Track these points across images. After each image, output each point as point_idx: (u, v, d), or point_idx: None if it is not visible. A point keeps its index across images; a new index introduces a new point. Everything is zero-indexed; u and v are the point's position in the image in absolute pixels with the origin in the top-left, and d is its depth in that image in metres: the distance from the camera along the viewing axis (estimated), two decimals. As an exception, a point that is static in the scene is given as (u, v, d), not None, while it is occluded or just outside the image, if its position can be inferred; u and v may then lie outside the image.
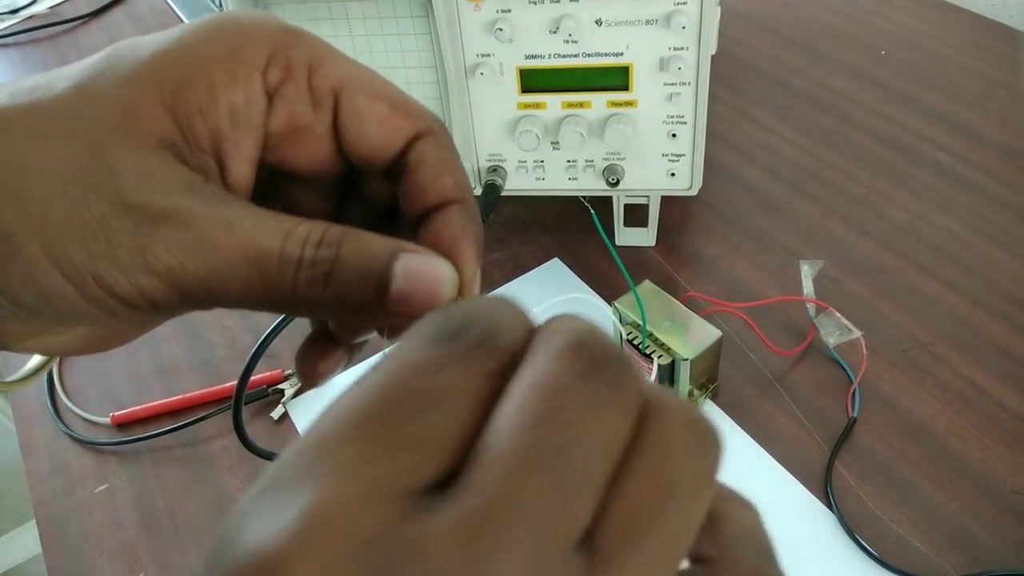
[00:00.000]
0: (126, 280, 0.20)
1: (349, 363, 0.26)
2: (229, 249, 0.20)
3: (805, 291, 0.60)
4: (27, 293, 0.20)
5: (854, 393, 0.56)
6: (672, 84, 0.58)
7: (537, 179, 0.65)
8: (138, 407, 0.62)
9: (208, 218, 0.20)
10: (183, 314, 0.22)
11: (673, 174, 0.63)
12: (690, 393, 0.55)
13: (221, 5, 0.91)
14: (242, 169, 0.22)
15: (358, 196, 0.26)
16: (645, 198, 0.66)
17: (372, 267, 0.21)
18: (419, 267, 0.21)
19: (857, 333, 0.57)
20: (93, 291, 0.20)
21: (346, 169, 0.24)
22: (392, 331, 0.24)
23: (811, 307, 0.60)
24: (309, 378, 0.25)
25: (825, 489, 0.52)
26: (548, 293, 0.56)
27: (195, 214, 0.20)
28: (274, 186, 0.24)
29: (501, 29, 0.57)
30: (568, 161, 0.63)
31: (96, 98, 0.20)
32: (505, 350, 0.17)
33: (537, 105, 0.61)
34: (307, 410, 0.61)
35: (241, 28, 0.21)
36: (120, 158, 0.20)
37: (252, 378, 0.53)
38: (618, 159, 0.62)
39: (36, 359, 0.29)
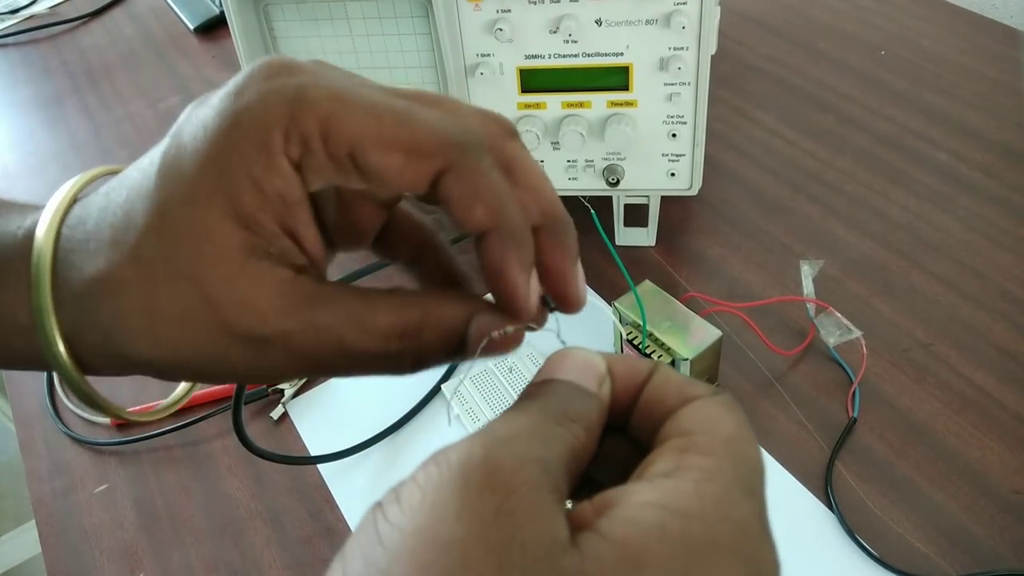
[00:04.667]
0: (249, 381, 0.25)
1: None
2: (329, 352, 0.24)
3: (805, 291, 0.59)
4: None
5: (854, 393, 0.56)
6: (672, 84, 0.58)
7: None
8: (138, 407, 0.62)
9: (303, 332, 0.23)
10: None
11: (673, 174, 0.63)
12: (690, 393, 0.55)
13: (221, 4, 0.91)
14: (310, 233, 0.24)
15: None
16: (645, 198, 0.66)
17: (451, 339, 0.24)
18: (489, 335, 0.24)
19: (857, 333, 0.57)
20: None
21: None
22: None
23: (811, 307, 0.60)
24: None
25: (825, 489, 0.52)
26: (548, 293, 0.56)
27: (292, 333, 0.23)
28: (338, 207, 0.26)
29: (501, 29, 0.57)
30: (568, 161, 0.63)
31: (176, 235, 0.23)
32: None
33: (537, 105, 0.61)
34: (306, 410, 0.61)
35: (256, 114, 0.23)
36: (217, 292, 0.23)
37: (252, 378, 0.53)
38: (618, 159, 0.62)
39: (182, 387, 0.32)
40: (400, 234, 0.29)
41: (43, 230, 0.25)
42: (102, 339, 0.25)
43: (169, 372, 0.25)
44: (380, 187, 0.24)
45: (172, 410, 0.32)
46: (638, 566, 0.18)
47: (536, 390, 0.23)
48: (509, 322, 0.24)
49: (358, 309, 0.24)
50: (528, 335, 0.25)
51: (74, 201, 0.26)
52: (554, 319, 0.26)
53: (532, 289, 0.24)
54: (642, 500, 0.19)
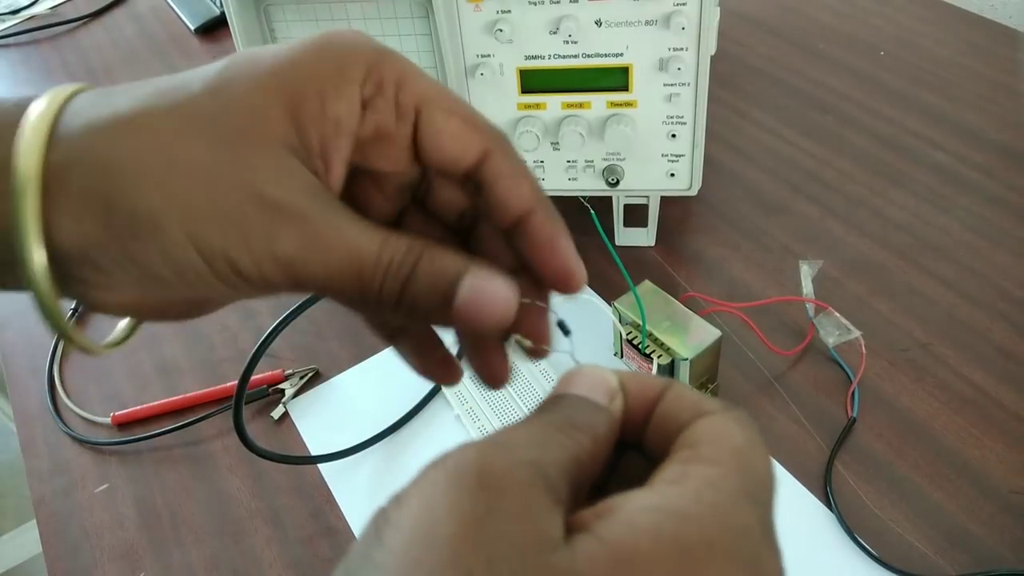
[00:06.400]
0: (252, 264, 0.23)
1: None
2: (339, 251, 0.24)
3: (804, 291, 0.60)
4: (164, 268, 0.23)
5: (853, 393, 0.56)
6: (672, 84, 0.58)
7: (537, 179, 0.65)
8: (139, 407, 0.62)
9: (327, 223, 0.24)
10: (286, 294, 0.25)
11: (673, 174, 0.63)
12: (690, 393, 0.55)
13: (222, 5, 0.91)
14: (338, 170, 0.25)
15: (421, 208, 0.29)
16: (645, 198, 0.66)
17: (442, 280, 0.24)
18: (483, 286, 0.24)
19: (856, 333, 0.57)
20: (223, 270, 0.23)
21: (416, 177, 0.28)
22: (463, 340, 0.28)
23: (810, 307, 0.60)
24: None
25: (824, 489, 0.52)
26: (548, 293, 0.56)
27: (317, 218, 0.24)
28: (349, 181, 0.27)
29: (501, 30, 0.57)
30: (568, 161, 0.63)
31: (229, 104, 0.24)
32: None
33: (537, 105, 0.61)
34: (307, 410, 0.61)
35: (344, 48, 0.25)
36: (255, 158, 0.23)
37: (252, 378, 0.53)
38: (618, 159, 0.62)
39: (124, 323, 0.29)
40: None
41: (41, 106, 0.23)
42: (95, 180, 0.23)
43: (165, 228, 0.23)
44: (431, 146, 0.25)
45: (125, 341, 0.29)
46: (630, 565, 0.17)
47: (546, 404, 0.24)
48: (503, 293, 0.24)
49: (374, 225, 0.25)
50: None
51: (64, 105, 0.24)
52: (568, 342, 0.27)
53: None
54: (641, 504, 0.19)
